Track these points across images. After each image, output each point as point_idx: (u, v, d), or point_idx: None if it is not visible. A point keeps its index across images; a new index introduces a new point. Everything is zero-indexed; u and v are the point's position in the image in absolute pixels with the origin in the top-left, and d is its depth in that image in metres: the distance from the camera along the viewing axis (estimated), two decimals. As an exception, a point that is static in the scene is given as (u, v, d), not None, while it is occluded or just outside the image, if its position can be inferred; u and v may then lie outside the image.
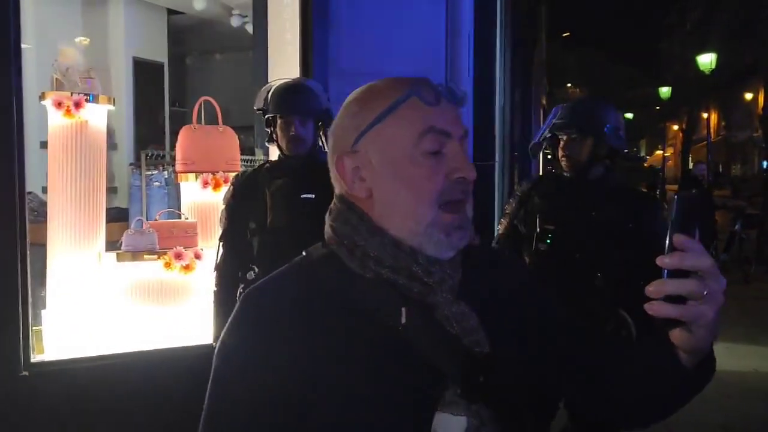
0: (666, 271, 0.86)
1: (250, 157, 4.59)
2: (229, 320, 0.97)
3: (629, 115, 32.01)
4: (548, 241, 2.43)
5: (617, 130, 2.48)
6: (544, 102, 16.25)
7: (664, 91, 25.61)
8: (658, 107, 32.25)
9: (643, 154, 41.88)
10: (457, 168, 0.96)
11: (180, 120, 6.11)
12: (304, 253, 1.04)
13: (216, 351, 0.96)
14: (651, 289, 0.86)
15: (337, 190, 1.04)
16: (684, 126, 27.59)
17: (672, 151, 39.45)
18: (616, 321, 2.33)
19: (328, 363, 0.91)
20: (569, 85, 32.98)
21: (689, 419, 4.13)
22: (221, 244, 2.57)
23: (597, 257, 2.37)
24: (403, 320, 0.94)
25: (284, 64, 3.48)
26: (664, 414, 1.04)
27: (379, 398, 0.91)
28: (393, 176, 0.96)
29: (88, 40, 5.58)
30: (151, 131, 6.11)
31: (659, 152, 32.19)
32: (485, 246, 1.11)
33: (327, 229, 1.02)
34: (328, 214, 1.03)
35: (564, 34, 29.10)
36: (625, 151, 2.57)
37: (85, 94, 3.07)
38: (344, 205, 1.01)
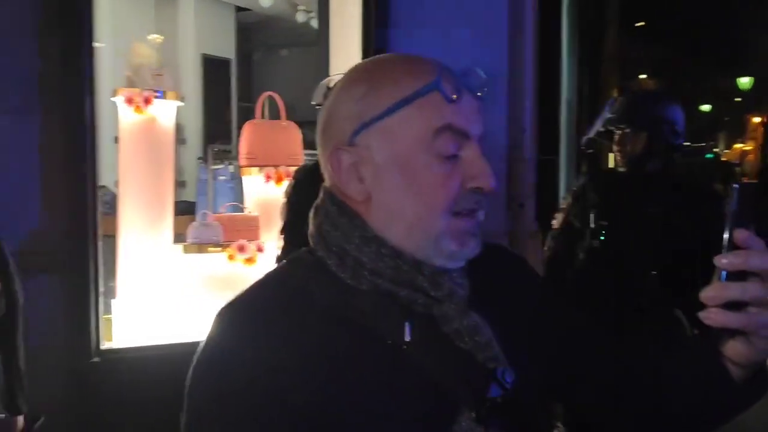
0: (724, 272, 0.74)
1: (314, 152, 4.65)
2: (206, 340, 0.82)
3: (707, 107, 30.85)
4: (601, 237, 2.37)
5: (674, 124, 2.39)
6: (615, 95, 15.84)
7: (745, 81, 24.56)
8: (738, 99, 30.95)
9: (721, 147, 40.28)
10: (475, 176, 0.82)
11: (246, 115, 6.23)
12: (285, 261, 0.90)
13: (190, 374, 0.81)
14: (709, 294, 0.74)
15: (326, 185, 0.89)
16: (766, 118, 26.40)
17: (753, 145, 37.77)
18: (670, 322, 2.26)
19: (323, 391, 0.77)
20: (643, 76, 32.06)
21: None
22: (282, 237, 2.61)
23: (651, 255, 2.30)
24: (408, 337, 0.80)
25: (345, 60, 3.51)
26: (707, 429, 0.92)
27: (384, 428, 0.79)
28: (400, 179, 0.82)
29: (162, 37, 5.79)
30: (219, 126, 6.27)
31: (738, 146, 30.90)
32: (493, 248, 0.97)
33: (312, 231, 0.88)
34: (313, 212, 0.89)
35: (638, 24, 28.25)
36: (686, 144, 2.48)
37: (155, 91, 3.17)
38: (334, 206, 0.86)
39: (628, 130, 2.39)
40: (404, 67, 0.85)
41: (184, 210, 4.50)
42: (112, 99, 3.18)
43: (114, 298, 3.20)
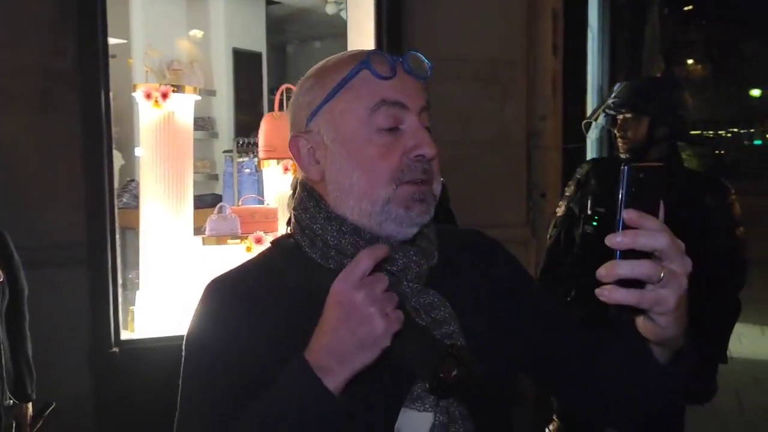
0: (618, 251, 0.77)
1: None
2: (195, 311, 0.95)
3: (756, 92, 29.87)
4: (594, 223, 2.32)
5: (677, 110, 2.32)
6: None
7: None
8: (791, 83, 29.89)
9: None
10: (416, 145, 0.89)
11: (277, 108, 6.26)
12: (269, 244, 1.01)
13: (185, 341, 0.94)
14: (602, 272, 0.77)
15: (298, 175, 0.99)
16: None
17: (808, 131, 36.45)
18: None
19: (285, 358, 0.84)
20: (691, 62, 31.16)
21: None
22: (289, 228, 2.63)
23: None
24: None
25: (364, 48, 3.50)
26: (647, 413, 0.95)
27: (344, 393, 0.83)
28: (346, 156, 0.90)
29: (202, 32, 5.86)
30: (251, 120, 6.31)
31: (792, 132, 29.83)
32: (468, 233, 1.06)
33: (290, 216, 0.99)
34: (290, 199, 1.01)
35: (686, 8, 27.47)
36: (694, 132, 2.42)
37: (172, 85, 3.21)
38: (305, 191, 0.96)
39: (629, 116, 2.33)
40: (341, 58, 0.95)
41: (213, 202, 4.54)
42: (133, 94, 3.23)
43: (138, 290, 3.27)
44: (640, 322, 0.83)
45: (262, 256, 1.00)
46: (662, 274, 0.77)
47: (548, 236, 2.59)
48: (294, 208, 0.97)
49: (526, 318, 1.01)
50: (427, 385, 0.83)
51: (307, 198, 0.95)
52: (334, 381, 0.80)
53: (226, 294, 0.94)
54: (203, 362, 0.91)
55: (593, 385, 0.98)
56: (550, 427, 2.47)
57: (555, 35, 3.72)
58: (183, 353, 0.94)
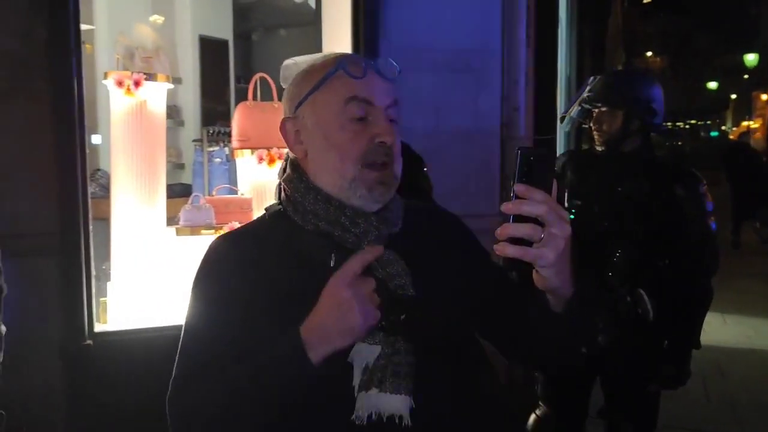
0: (511, 216, 0.99)
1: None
2: (201, 261, 1.19)
3: (713, 85, 30.56)
4: (571, 216, 2.37)
5: (650, 103, 2.38)
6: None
7: (751, 58, 24.33)
8: (746, 75, 30.64)
9: (728, 125, 40.01)
10: (378, 133, 1.12)
11: (245, 96, 6.20)
12: (264, 210, 1.24)
13: (192, 286, 1.18)
14: (498, 231, 0.99)
15: (286, 151, 1.22)
16: (773, 95, 26.15)
17: (761, 122, 37.48)
18: (633, 299, 2.28)
19: (270, 298, 1.10)
20: (649, 54, 31.71)
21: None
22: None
23: (617, 233, 2.31)
24: (332, 263, 1.08)
25: (339, 39, 3.48)
26: (562, 359, 1.20)
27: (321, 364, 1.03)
28: (323, 138, 1.14)
29: (163, 18, 5.73)
30: (218, 108, 6.23)
31: (746, 123, 30.62)
32: (429, 206, 1.35)
33: (278, 187, 1.21)
34: (279, 174, 1.22)
35: (645, 0, 27.92)
36: (665, 124, 2.49)
37: (144, 73, 3.15)
38: (291, 166, 1.19)
39: (604, 109, 2.38)
40: (328, 58, 1.19)
41: (181, 192, 4.48)
42: (104, 82, 3.16)
43: (109, 281, 3.21)
44: (534, 276, 1.05)
45: (259, 220, 1.25)
46: (542, 235, 0.99)
47: None
48: (282, 180, 1.20)
49: (474, 280, 1.21)
50: (380, 324, 1.03)
51: (292, 171, 1.18)
52: (315, 355, 1.01)
53: (228, 248, 1.19)
54: (204, 307, 1.14)
55: (525, 336, 1.21)
56: (537, 411, 2.51)
57: (527, 27, 3.75)
58: (190, 295, 1.17)
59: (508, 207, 0.99)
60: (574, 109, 2.52)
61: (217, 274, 1.16)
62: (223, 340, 1.09)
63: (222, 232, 3.15)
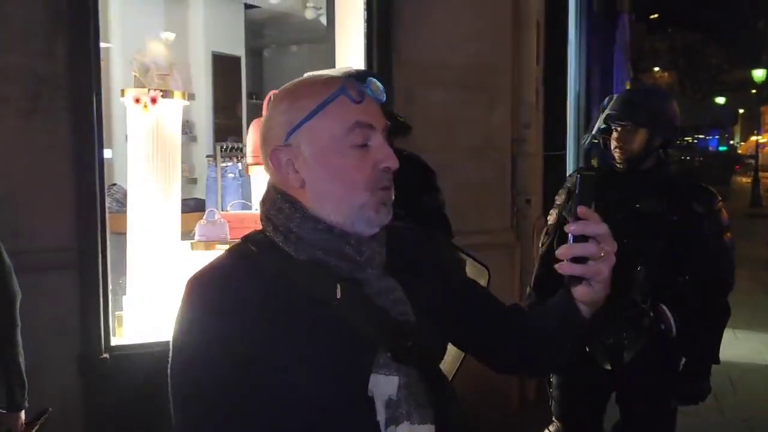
0: (572, 236, 1.05)
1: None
2: (180, 310, 1.03)
3: (722, 100, 30.52)
4: None
5: (671, 120, 2.41)
6: (628, 88, 15.72)
7: (759, 74, 24.30)
8: (754, 90, 30.65)
9: (737, 140, 39.93)
10: (382, 159, 1.06)
11: (257, 112, 6.25)
12: (241, 240, 1.10)
13: (172, 341, 1.02)
14: (561, 251, 1.04)
15: (270, 180, 1.11)
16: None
17: (769, 137, 37.39)
18: (655, 315, 2.28)
19: (264, 340, 0.99)
20: (657, 69, 31.74)
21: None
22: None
23: (638, 249, 2.31)
24: (338, 295, 1.02)
25: (351, 55, 3.53)
26: (559, 359, 1.24)
27: (319, 367, 1.00)
28: (325, 167, 1.06)
29: (174, 35, 5.81)
30: (230, 124, 6.30)
31: (755, 138, 30.54)
32: (407, 226, 1.26)
33: (262, 216, 1.10)
34: (261, 203, 1.11)
35: (652, 16, 27.99)
36: (677, 141, 2.50)
37: (161, 90, 3.20)
38: (277, 195, 1.08)
39: (628, 127, 2.39)
40: (316, 82, 1.09)
41: (195, 207, 4.53)
42: (121, 99, 3.21)
43: (125, 294, 3.25)
44: (579, 288, 1.09)
45: (237, 249, 1.09)
46: (602, 253, 1.05)
47: (540, 243, 2.65)
48: (267, 210, 1.09)
49: (448, 292, 1.20)
50: (389, 354, 1.01)
51: (282, 201, 1.07)
52: None
53: (210, 292, 1.03)
54: (195, 372, 1.00)
55: (510, 340, 1.23)
56: (550, 428, 2.52)
57: (537, 44, 3.79)
58: (170, 354, 1.01)
59: (574, 228, 1.05)
60: (597, 127, 2.53)
61: (209, 330, 1.01)
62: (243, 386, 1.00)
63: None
